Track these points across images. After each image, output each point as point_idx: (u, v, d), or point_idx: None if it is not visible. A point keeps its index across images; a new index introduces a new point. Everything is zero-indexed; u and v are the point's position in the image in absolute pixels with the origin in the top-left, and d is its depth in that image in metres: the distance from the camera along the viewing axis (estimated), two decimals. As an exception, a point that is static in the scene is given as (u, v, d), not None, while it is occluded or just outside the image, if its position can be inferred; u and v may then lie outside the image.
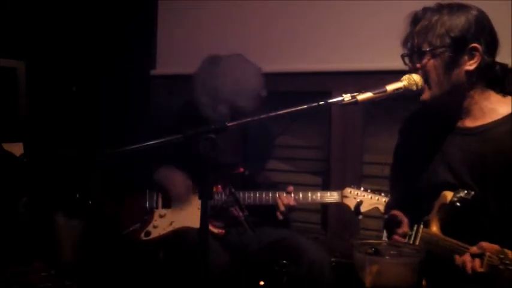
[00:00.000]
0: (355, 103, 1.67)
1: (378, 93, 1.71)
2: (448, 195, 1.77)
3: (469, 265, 1.62)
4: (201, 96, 2.43)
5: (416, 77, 1.78)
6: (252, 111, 2.42)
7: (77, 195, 3.33)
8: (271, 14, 3.51)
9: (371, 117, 3.25)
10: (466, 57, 1.76)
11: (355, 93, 1.67)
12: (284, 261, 2.20)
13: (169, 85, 3.83)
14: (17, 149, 3.33)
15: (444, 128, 1.88)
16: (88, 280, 2.87)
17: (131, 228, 2.47)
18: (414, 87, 1.77)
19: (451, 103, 1.83)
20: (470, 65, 1.77)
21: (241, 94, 2.42)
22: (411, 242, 1.91)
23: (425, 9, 1.82)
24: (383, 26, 3.16)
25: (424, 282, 1.82)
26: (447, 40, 1.75)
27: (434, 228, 1.83)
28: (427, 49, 1.77)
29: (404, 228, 1.97)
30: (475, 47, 1.76)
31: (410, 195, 2.03)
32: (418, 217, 1.93)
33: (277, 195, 2.43)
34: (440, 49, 1.76)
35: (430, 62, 1.77)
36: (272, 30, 3.48)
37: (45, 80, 3.68)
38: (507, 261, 1.52)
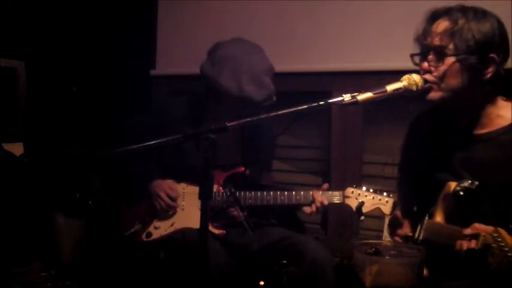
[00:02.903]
0: (355, 103, 1.67)
1: (378, 93, 1.71)
2: (452, 185, 1.79)
3: (465, 245, 1.65)
4: (222, 80, 2.38)
5: (416, 77, 1.78)
6: (271, 91, 2.40)
7: (77, 195, 3.33)
8: (271, 14, 3.51)
9: (371, 117, 3.25)
10: (483, 66, 1.76)
11: (355, 93, 1.67)
12: (284, 261, 2.19)
13: (169, 85, 3.83)
14: (17, 149, 3.33)
15: (451, 132, 1.89)
16: (88, 280, 2.87)
17: (132, 230, 2.47)
18: (414, 87, 1.77)
19: (459, 107, 1.84)
20: (486, 75, 1.77)
21: (262, 69, 2.42)
22: (416, 235, 1.91)
23: (449, 10, 1.81)
24: (383, 26, 3.17)
25: (425, 272, 1.82)
26: (473, 46, 1.74)
27: (439, 218, 1.84)
28: (452, 52, 1.76)
29: (405, 229, 1.97)
30: (493, 58, 1.76)
31: (415, 193, 2.03)
32: (423, 212, 1.94)
33: (311, 193, 2.42)
34: (464, 54, 1.75)
35: (451, 66, 1.76)
36: (272, 31, 3.48)
37: (45, 80, 3.68)
38: (499, 239, 1.57)
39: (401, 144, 2.16)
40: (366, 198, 2.40)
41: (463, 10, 1.79)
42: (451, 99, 1.80)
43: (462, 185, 1.75)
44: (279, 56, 3.41)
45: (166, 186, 2.48)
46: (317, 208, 2.41)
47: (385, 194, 2.42)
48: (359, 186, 2.43)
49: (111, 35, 3.79)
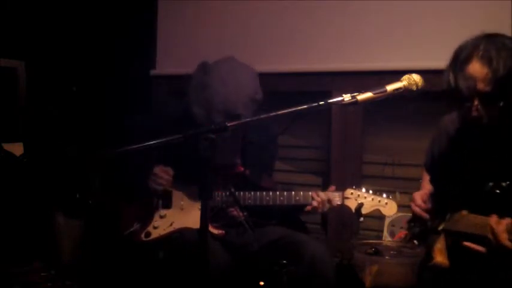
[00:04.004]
0: (355, 103, 1.67)
1: (378, 93, 1.71)
2: (489, 183, 1.80)
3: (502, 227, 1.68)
4: (194, 107, 2.40)
5: (416, 77, 1.78)
6: (249, 115, 2.39)
7: (77, 195, 3.33)
8: (271, 14, 3.51)
9: (371, 117, 3.25)
10: None
11: (355, 93, 1.67)
12: (284, 261, 2.19)
13: (169, 85, 3.83)
14: (17, 149, 3.33)
15: (482, 134, 1.90)
16: (88, 280, 2.87)
17: (131, 229, 2.47)
18: (414, 87, 1.77)
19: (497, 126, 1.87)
20: None
21: (235, 102, 2.37)
22: (436, 223, 1.91)
23: (477, 46, 1.82)
24: (383, 26, 3.17)
25: (443, 259, 1.83)
26: None
27: (466, 212, 1.84)
28: (501, 98, 1.79)
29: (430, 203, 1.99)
30: None
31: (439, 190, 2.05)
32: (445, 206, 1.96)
33: (310, 193, 2.43)
34: (508, 96, 1.78)
35: (499, 108, 1.80)
36: (272, 30, 3.48)
37: (45, 80, 3.68)
38: None
39: (429, 144, 2.16)
40: (366, 199, 2.40)
41: (494, 45, 1.80)
42: (497, 127, 1.85)
43: (499, 184, 1.77)
44: (279, 56, 3.43)
45: (160, 167, 2.49)
46: (315, 207, 2.41)
47: (384, 195, 2.42)
48: (358, 188, 2.44)
49: (111, 35, 3.79)
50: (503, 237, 1.68)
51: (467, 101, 1.83)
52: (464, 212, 1.85)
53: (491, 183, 1.80)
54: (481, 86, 1.79)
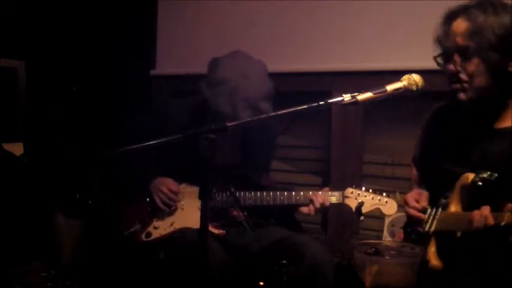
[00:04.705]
0: (355, 103, 1.67)
1: (378, 93, 1.71)
2: (470, 176, 1.78)
3: (490, 220, 1.65)
4: (218, 104, 2.34)
5: (416, 77, 1.78)
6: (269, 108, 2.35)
7: (77, 195, 3.33)
8: (271, 14, 3.51)
9: (371, 117, 3.25)
10: (507, 59, 1.77)
11: (355, 93, 1.67)
12: (284, 261, 2.19)
13: (169, 85, 3.83)
14: (17, 149, 3.33)
15: (469, 125, 1.89)
16: (88, 280, 2.87)
17: (132, 229, 2.47)
18: (414, 87, 1.77)
19: (484, 104, 1.84)
20: (509, 67, 1.77)
21: (259, 91, 2.35)
22: (427, 226, 1.89)
23: (466, 7, 1.81)
24: (383, 26, 3.17)
25: (436, 262, 1.81)
26: (495, 43, 1.75)
27: (454, 209, 1.83)
28: (475, 52, 1.77)
29: (423, 202, 1.96)
30: None
31: (428, 185, 2.03)
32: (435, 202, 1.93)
33: (310, 193, 2.42)
34: (487, 53, 1.76)
35: (477, 66, 1.78)
36: (272, 30, 3.48)
37: (45, 80, 3.68)
38: None
39: (418, 137, 2.15)
40: (366, 198, 2.40)
41: (481, 6, 1.79)
42: (478, 98, 1.81)
43: (481, 175, 1.75)
44: (279, 56, 3.42)
45: (168, 182, 2.49)
46: (316, 209, 2.41)
47: (384, 194, 2.42)
48: (358, 187, 2.44)
49: (111, 35, 3.79)
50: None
51: (450, 58, 1.82)
52: (451, 210, 1.84)
53: (472, 176, 1.77)
54: (459, 40, 1.79)
